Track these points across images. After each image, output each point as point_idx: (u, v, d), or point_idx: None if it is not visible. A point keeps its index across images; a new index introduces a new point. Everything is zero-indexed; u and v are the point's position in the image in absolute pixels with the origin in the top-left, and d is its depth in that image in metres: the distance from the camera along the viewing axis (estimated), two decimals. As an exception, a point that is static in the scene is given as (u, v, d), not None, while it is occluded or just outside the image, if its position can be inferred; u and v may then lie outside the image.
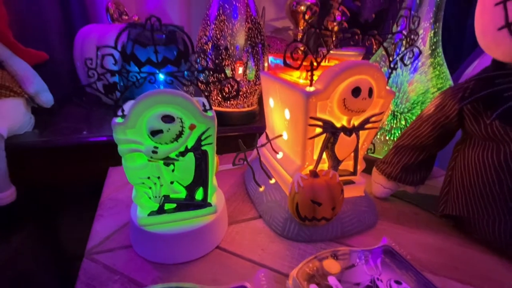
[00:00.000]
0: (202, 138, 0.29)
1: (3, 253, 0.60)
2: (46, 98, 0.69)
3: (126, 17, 0.92)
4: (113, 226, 0.40)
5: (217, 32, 0.72)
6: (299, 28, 1.17)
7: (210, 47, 0.74)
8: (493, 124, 0.34)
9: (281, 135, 0.44)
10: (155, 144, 0.28)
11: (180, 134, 0.28)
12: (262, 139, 0.51)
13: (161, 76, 0.26)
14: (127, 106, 0.30)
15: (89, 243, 0.36)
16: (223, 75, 0.29)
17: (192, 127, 0.28)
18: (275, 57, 0.45)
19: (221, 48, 0.72)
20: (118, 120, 0.27)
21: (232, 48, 0.73)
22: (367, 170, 0.48)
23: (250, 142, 0.43)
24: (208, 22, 0.73)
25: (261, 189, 0.46)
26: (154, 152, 0.28)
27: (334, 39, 0.36)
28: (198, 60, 0.79)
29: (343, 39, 0.33)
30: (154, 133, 0.27)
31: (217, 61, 0.73)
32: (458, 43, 1.08)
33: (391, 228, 0.43)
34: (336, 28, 0.38)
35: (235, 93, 0.30)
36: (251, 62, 0.76)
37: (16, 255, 0.62)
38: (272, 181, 0.46)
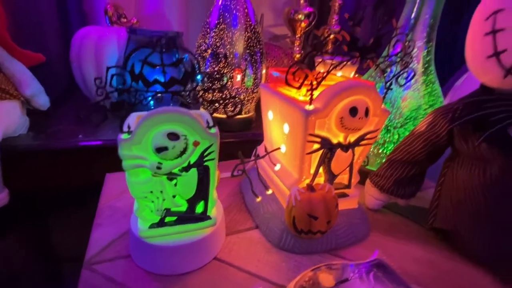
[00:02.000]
0: (205, 154, 0.30)
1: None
2: (42, 101, 0.69)
3: (125, 20, 0.92)
4: (112, 235, 0.40)
5: (216, 40, 0.73)
6: (296, 36, 1.19)
7: (209, 54, 0.75)
8: (480, 146, 0.36)
9: (279, 148, 0.45)
10: (160, 160, 0.29)
11: (184, 151, 0.29)
12: (260, 149, 0.52)
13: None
14: (131, 120, 0.31)
15: (88, 253, 0.37)
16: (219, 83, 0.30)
17: (196, 144, 0.29)
18: (276, 71, 0.46)
19: (220, 56, 0.73)
20: (124, 136, 0.27)
21: (231, 56, 0.74)
22: (361, 181, 0.50)
23: (247, 148, 0.44)
24: (208, 29, 0.74)
25: (258, 199, 0.47)
26: (159, 168, 0.28)
27: (336, 55, 0.38)
28: (197, 66, 0.79)
29: (342, 61, 0.35)
30: (160, 150, 0.27)
31: (216, 68, 0.74)
32: (449, 56, 1.12)
33: (383, 240, 0.44)
34: (332, 37, 0.39)
35: (238, 111, 0.31)
36: (249, 70, 0.77)
37: (7, 258, 0.62)
38: (269, 192, 0.47)
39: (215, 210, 0.37)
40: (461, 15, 1.06)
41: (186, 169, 0.30)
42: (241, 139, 0.81)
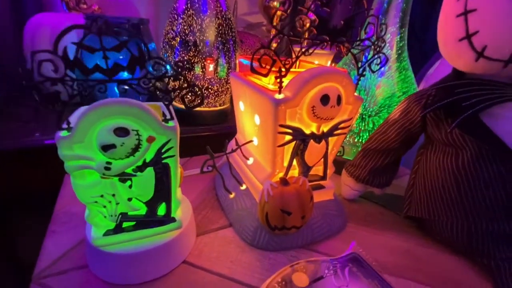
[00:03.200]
0: (163, 150, 0.27)
1: None
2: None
3: (85, 6, 0.84)
4: (67, 243, 0.36)
5: (185, 27, 0.68)
6: (273, 24, 1.16)
7: (178, 42, 0.70)
8: (452, 132, 0.35)
9: (251, 141, 0.42)
10: (108, 159, 0.25)
11: (136, 148, 0.25)
12: (232, 144, 0.49)
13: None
14: (76, 116, 0.27)
15: (38, 266, 0.33)
16: (185, 82, 0.26)
17: (150, 140, 0.26)
18: (245, 58, 0.43)
19: (189, 44, 0.69)
20: (63, 133, 0.24)
21: (201, 44, 0.70)
22: (337, 171, 0.49)
23: (222, 142, 0.41)
24: (175, 15, 0.69)
25: (232, 196, 0.44)
26: (107, 168, 0.25)
27: (305, 39, 0.35)
28: (165, 55, 0.74)
29: (312, 46, 0.32)
30: (106, 148, 0.24)
31: (185, 57, 0.69)
32: (421, 43, 1.14)
33: (359, 230, 0.43)
34: (307, 25, 0.37)
35: (199, 101, 0.28)
36: (222, 59, 0.73)
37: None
38: (243, 187, 0.45)
39: (181, 211, 0.34)
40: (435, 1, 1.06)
41: (141, 168, 0.27)
42: (216, 132, 0.78)
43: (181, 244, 0.33)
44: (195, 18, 0.68)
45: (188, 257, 0.35)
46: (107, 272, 0.31)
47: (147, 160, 0.27)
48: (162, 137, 0.26)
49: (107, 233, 0.29)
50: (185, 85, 0.26)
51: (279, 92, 0.33)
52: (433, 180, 0.40)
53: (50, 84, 0.21)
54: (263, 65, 0.30)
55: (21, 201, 0.65)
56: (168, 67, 0.25)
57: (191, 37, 0.68)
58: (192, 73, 0.71)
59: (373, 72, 0.38)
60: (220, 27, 0.70)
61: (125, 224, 0.29)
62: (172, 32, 0.70)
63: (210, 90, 0.74)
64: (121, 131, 0.24)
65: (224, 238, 0.39)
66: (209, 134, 0.77)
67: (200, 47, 0.69)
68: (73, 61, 0.21)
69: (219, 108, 0.79)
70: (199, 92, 0.27)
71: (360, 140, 0.55)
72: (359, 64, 0.37)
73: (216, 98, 0.77)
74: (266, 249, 0.38)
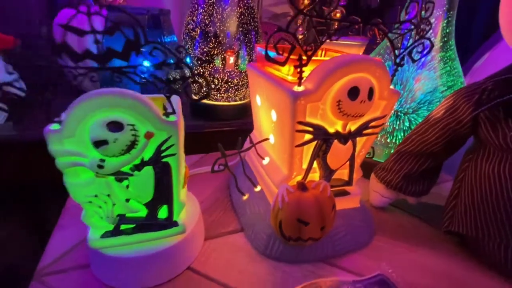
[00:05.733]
0: (163, 148, 0.24)
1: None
2: (17, 88, 0.63)
3: (110, -1, 0.84)
4: (73, 239, 0.35)
5: (205, 17, 0.65)
6: (293, 3, 1.09)
7: (198, 34, 0.67)
8: (516, 135, 0.28)
9: (267, 139, 0.38)
10: (102, 156, 0.23)
11: (132, 145, 0.23)
12: (248, 142, 0.46)
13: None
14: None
15: (41, 261, 0.32)
16: (188, 71, 0.23)
17: (148, 136, 0.23)
18: (263, 47, 0.38)
19: (209, 34, 0.66)
20: (53, 127, 0.22)
21: (222, 35, 0.66)
22: (365, 174, 0.43)
23: (241, 140, 0.38)
24: (196, 6, 0.67)
25: (245, 197, 0.41)
26: (100, 166, 0.22)
27: (334, 27, 0.30)
28: (186, 48, 0.72)
29: (340, 29, 0.27)
30: (98, 144, 0.21)
31: (205, 49, 0.67)
32: (465, 34, 1.00)
33: (388, 245, 0.38)
34: (338, 15, 0.32)
35: (205, 94, 0.24)
36: (243, 51, 0.70)
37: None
38: (258, 189, 0.41)
39: (186, 213, 0.31)
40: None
41: (139, 167, 0.24)
42: (236, 128, 0.75)
43: (184, 250, 0.30)
44: (216, 7, 0.64)
45: (193, 263, 0.32)
46: (106, 275, 0.29)
47: (146, 159, 0.24)
48: (162, 133, 0.23)
49: (105, 235, 0.27)
50: (189, 74, 0.22)
51: (299, 84, 0.28)
52: (484, 192, 0.33)
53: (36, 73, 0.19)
54: (281, 53, 0.26)
55: (45, 190, 0.67)
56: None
57: (211, 28, 0.65)
58: (211, 65, 0.68)
59: (414, 61, 0.32)
60: (242, 17, 0.66)
61: (123, 227, 0.27)
62: (192, 23, 0.67)
63: (230, 83, 0.71)
64: (114, 126, 0.21)
65: (234, 244, 0.36)
66: (228, 130, 0.74)
67: (220, 38, 0.66)
68: (60, 46, 0.19)
69: (239, 102, 0.76)
70: (204, 83, 0.23)
71: (394, 141, 0.49)
72: (397, 52, 0.31)
73: (236, 92, 0.73)
74: (279, 260, 0.34)
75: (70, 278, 0.30)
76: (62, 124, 0.21)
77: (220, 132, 0.73)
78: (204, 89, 0.24)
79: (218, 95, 0.72)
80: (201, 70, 0.68)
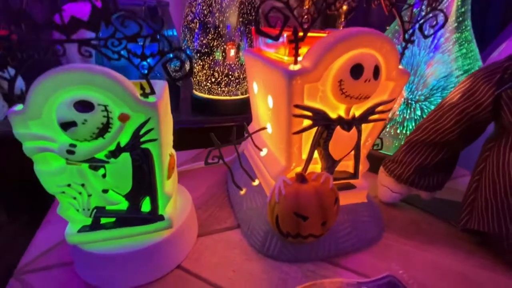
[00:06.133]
0: (141, 133, 0.22)
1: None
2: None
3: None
4: (58, 236, 0.33)
5: (204, 7, 0.63)
6: (303, 7, 1.06)
7: (197, 26, 0.65)
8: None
9: (264, 128, 0.35)
10: (72, 141, 0.20)
11: (105, 128, 0.20)
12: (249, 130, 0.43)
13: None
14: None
15: (23, 258, 0.30)
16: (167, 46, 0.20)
17: (123, 118, 0.20)
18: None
19: (209, 26, 0.63)
20: (17, 108, 0.19)
21: (222, 26, 0.64)
22: (373, 169, 0.40)
23: (236, 130, 0.35)
24: (195, -4, 0.65)
25: (242, 192, 0.38)
26: (70, 152, 0.20)
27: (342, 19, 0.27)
28: (185, 41, 0.70)
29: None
30: (65, 126, 0.19)
31: (205, 41, 0.65)
32: (480, 22, 0.94)
33: (399, 244, 0.34)
34: (345, 8, 0.29)
35: (187, 72, 0.22)
36: (244, 43, 0.67)
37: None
38: (255, 182, 0.38)
39: (175, 208, 0.29)
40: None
41: (115, 154, 0.22)
42: (238, 123, 0.72)
43: (173, 247, 0.28)
44: (215, -3, 0.62)
45: (184, 262, 0.30)
46: (87, 273, 0.27)
47: (122, 144, 0.22)
48: (139, 115, 0.21)
49: (82, 229, 0.24)
50: (168, 49, 0.20)
51: (295, 62, 0.25)
52: (508, 184, 0.29)
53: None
54: (272, 25, 0.23)
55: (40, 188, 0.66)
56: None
57: (210, 19, 0.63)
58: (211, 58, 0.66)
59: (426, 37, 0.28)
60: (242, 6, 0.64)
61: (103, 220, 0.25)
62: (191, 14, 0.65)
63: (230, 76, 0.68)
64: (83, 105, 0.19)
65: (229, 242, 0.33)
66: (230, 125, 0.72)
67: (220, 29, 0.64)
68: (18, 13, 0.17)
69: (240, 97, 0.73)
70: (186, 58, 0.21)
71: (404, 132, 0.45)
72: (406, 27, 0.28)
73: (238, 86, 0.71)
74: (277, 258, 0.31)
75: (51, 276, 0.28)
76: (25, 103, 0.19)
77: (221, 127, 0.70)
78: (186, 67, 0.21)
79: (219, 89, 0.70)
80: (201, 63, 0.66)
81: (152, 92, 0.22)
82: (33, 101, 0.19)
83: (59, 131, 0.20)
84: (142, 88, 0.21)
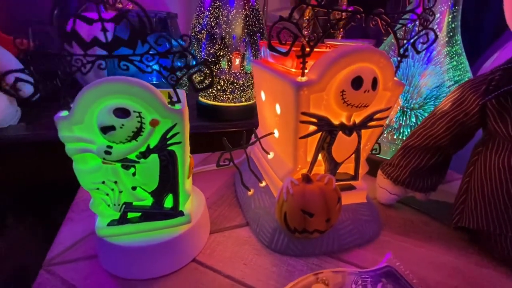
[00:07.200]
0: (168, 136, 0.24)
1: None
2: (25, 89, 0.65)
3: (120, 5, 0.87)
4: (82, 232, 0.35)
5: (211, 19, 0.67)
6: (304, 19, 1.11)
7: (204, 36, 0.69)
8: (524, 124, 0.28)
9: (272, 133, 0.38)
10: (109, 143, 0.23)
11: (138, 132, 0.23)
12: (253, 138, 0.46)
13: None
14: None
15: (50, 252, 0.32)
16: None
17: (154, 123, 0.23)
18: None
19: (216, 37, 0.67)
20: (63, 113, 0.22)
21: (228, 37, 0.68)
22: (372, 172, 0.43)
23: (247, 139, 0.38)
24: (202, 8, 0.68)
25: (250, 192, 0.41)
26: (107, 153, 0.23)
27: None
28: (192, 50, 0.74)
29: (343, 19, 0.28)
30: (105, 129, 0.22)
31: (211, 50, 0.68)
32: (474, 34, 0.99)
33: (396, 240, 0.37)
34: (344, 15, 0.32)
35: (209, 82, 0.25)
36: (249, 53, 0.71)
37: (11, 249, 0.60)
38: (263, 184, 0.41)
39: (192, 204, 0.32)
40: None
41: (145, 155, 0.24)
42: (242, 129, 0.75)
43: (190, 241, 0.31)
44: (222, 10, 0.66)
45: (198, 256, 0.33)
46: (112, 264, 0.29)
47: (151, 146, 0.25)
48: (167, 121, 0.24)
49: (111, 223, 0.27)
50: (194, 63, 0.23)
51: (302, 75, 0.28)
52: (494, 185, 0.32)
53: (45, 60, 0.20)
54: (284, 42, 0.27)
55: (55, 189, 0.68)
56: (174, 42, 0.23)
57: (217, 30, 0.67)
58: (217, 67, 0.69)
59: (418, 52, 0.32)
60: (247, 18, 0.67)
61: (130, 215, 0.27)
62: (198, 25, 0.69)
63: (235, 84, 0.71)
64: (121, 112, 0.22)
65: (239, 238, 0.36)
66: (234, 131, 0.75)
67: (226, 40, 0.67)
68: (70, 34, 0.20)
69: (245, 103, 0.76)
70: (208, 72, 0.24)
71: (400, 137, 0.48)
72: (401, 43, 0.31)
73: (242, 93, 0.74)
74: (284, 253, 0.34)
75: (78, 267, 0.30)
76: (71, 110, 0.22)
77: (225, 132, 0.73)
78: (208, 78, 0.24)
79: (224, 96, 0.73)
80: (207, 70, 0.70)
81: (178, 100, 0.25)
82: (78, 108, 0.22)
83: (98, 134, 0.23)
84: (169, 96, 0.24)
